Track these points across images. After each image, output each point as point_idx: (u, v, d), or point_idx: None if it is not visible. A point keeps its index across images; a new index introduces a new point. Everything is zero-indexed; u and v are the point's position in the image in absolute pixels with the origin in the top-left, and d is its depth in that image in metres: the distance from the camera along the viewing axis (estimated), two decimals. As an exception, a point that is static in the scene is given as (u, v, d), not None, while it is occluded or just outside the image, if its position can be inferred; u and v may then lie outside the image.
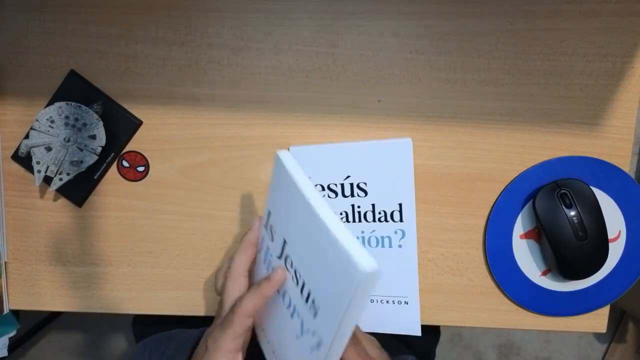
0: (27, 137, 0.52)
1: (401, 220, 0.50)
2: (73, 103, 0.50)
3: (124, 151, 0.53)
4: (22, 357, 1.33)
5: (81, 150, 0.50)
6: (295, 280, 0.37)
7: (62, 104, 0.50)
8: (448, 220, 0.52)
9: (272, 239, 0.40)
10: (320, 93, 0.51)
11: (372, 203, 0.50)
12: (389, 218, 0.50)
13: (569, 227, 0.48)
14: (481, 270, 0.53)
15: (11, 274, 0.55)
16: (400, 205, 0.50)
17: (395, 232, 0.51)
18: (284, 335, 0.40)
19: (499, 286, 0.53)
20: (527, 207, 0.51)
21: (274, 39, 0.50)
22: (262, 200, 0.53)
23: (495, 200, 0.51)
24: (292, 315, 0.38)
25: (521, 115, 0.50)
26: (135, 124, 0.52)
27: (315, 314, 0.35)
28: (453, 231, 0.53)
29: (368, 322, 0.52)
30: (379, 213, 0.50)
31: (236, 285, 0.41)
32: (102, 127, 0.50)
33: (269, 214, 0.40)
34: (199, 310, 0.55)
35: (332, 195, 0.51)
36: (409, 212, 0.50)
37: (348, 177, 0.50)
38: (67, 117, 0.50)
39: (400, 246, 0.51)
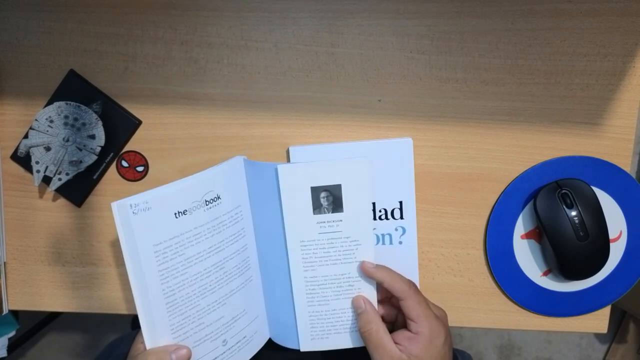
0: (26, 137, 0.52)
1: (402, 218, 0.50)
2: (72, 103, 0.50)
3: (123, 151, 0.52)
4: (22, 358, 1.33)
5: (80, 150, 0.50)
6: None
7: (62, 103, 0.50)
8: (448, 220, 0.52)
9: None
10: (320, 93, 0.51)
11: (373, 201, 0.50)
12: (389, 216, 0.50)
13: (570, 227, 0.48)
14: (482, 271, 0.53)
15: (10, 274, 0.55)
16: (400, 202, 0.50)
17: (396, 229, 0.51)
18: None
19: (499, 286, 0.53)
20: (528, 207, 0.51)
21: (273, 39, 0.50)
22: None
23: (496, 201, 0.51)
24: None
25: (522, 115, 0.50)
26: (135, 123, 0.52)
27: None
28: (454, 231, 0.52)
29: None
30: (380, 211, 0.50)
31: None
32: (102, 127, 0.50)
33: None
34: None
35: (332, 195, 0.51)
36: (410, 209, 0.50)
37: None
38: (66, 117, 0.49)
39: (400, 242, 0.51)
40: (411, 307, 0.43)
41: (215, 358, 0.45)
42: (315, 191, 0.44)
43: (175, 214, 0.41)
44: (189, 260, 0.42)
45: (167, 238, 0.40)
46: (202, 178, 0.43)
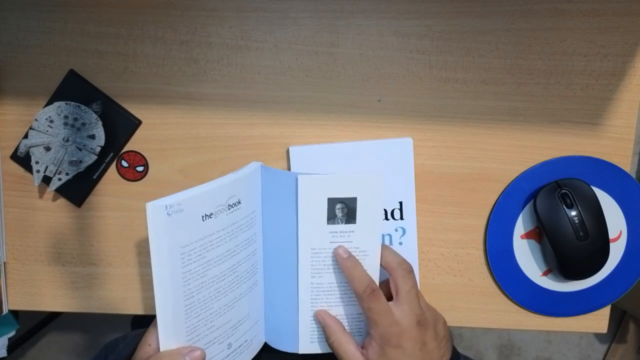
0: (26, 136, 0.52)
1: (401, 218, 0.50)
2: (72, 103, 0.50)
3: (123, 151, 0.52)
4: (22, 358, 1.33)
5: (80, 150, 0.50)
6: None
7: (61, 103, 0.50)
8: (448, 220, 0.52)
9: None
10: (320, 93, 0.51)
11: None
12: (389, 216, 0.50)
13: (569, 227, 0.48)
14: (482, 271, 0.53)
15: (10, 274, 0.55)
16: (400, 203, 0.50)
17: (396, 230, 0.51)
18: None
19: (499, 286, 0.53)
20: (528, 207, 0.51)
21: (273, 39, 0.50)
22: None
23: (496, 200, 0.51)
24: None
25: (522, 115, 0.50)
26: (135, 123, 0.52)
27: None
28: (453, 231, 0.52)
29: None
30: (380, 212, 0.50)
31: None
32: (101, 127, 0.50)
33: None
34: (199, 311, 0.55)
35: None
36: (410, 210, 0.50)
37: (348, 177, 0.50)
38: (66, 117, 0.49)
39: (400, 243, 0.51)
40: (368, 310, 0.43)
41: None
42: (332, 202, 0.44)
43: (203, 216, 0.41)
44: (209, 263, 0.42)
45: (193, 240, 0.40)
46: (226, 182, 0.43)
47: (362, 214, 0.45)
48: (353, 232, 0.45)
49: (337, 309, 0.47)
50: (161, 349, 0.40)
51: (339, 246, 0.45)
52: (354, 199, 0.44)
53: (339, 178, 0.44)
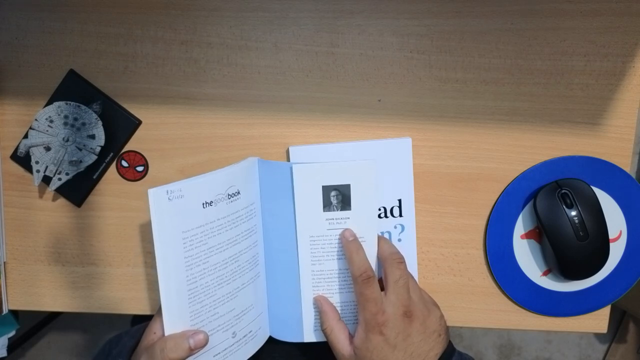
0: (26, 136, 0.52)
1: (400, 215, 0.51)
2: (72, 103, 0.50)
3: (123, 151, 0.52)
4: (22, 358, 1.33)
5: (80, 150, 0.50)
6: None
7: (61, 103, 0.50)
8: (448, 220, 0.52)
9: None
10: (320, 93, 0.51)
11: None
12: (388, 214, 0.51)
13: (569, 227, 0.48)
14: (482, 271, 0.53)
15: (10, 274, 0.55)
16: (399, 200, 0.50)
17: (395, 227, 0.51)
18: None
19: (499, 286, 0.53)
20: (528, 207, 0.51)
21: (273, 38, 0.50)
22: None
23: (496, 200, 0.51)
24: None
25: (522, 115, 0.50)
26: (135, 123, 0.52)
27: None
28: (453, 231, 0.52)
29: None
30: (379, 210, 0.50)
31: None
32: (101, 127, 0.50)
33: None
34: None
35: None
36: (408, 207, 0.51)
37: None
38: (66, 117, 0.49)
39: (400, 240, 0.51)
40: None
41: (225, 349, 0.46)
42: (326, 190, 0.46)
43: (203, 204, 0.42)
44: (211, 250, 0.43)
45: (194, 226, 0.42)
46: (226, 173, 0.45)
47: (356, 201, 0.46)
48: (349, 218, 0.46)
49: (338, 296, 0.48)
50: (166, 334, 0.41)
51: (346, 229, 0.46)
52: (348, 186, 0.46)
53: (332, 166, 0.46)
